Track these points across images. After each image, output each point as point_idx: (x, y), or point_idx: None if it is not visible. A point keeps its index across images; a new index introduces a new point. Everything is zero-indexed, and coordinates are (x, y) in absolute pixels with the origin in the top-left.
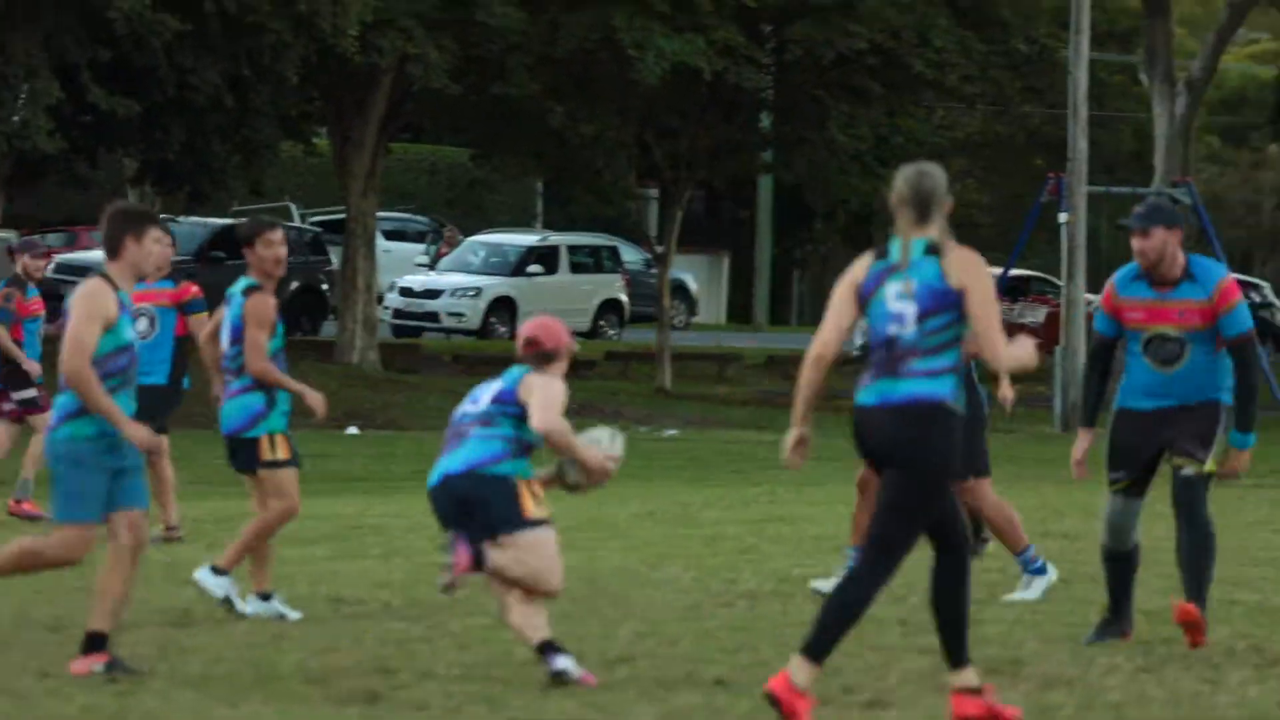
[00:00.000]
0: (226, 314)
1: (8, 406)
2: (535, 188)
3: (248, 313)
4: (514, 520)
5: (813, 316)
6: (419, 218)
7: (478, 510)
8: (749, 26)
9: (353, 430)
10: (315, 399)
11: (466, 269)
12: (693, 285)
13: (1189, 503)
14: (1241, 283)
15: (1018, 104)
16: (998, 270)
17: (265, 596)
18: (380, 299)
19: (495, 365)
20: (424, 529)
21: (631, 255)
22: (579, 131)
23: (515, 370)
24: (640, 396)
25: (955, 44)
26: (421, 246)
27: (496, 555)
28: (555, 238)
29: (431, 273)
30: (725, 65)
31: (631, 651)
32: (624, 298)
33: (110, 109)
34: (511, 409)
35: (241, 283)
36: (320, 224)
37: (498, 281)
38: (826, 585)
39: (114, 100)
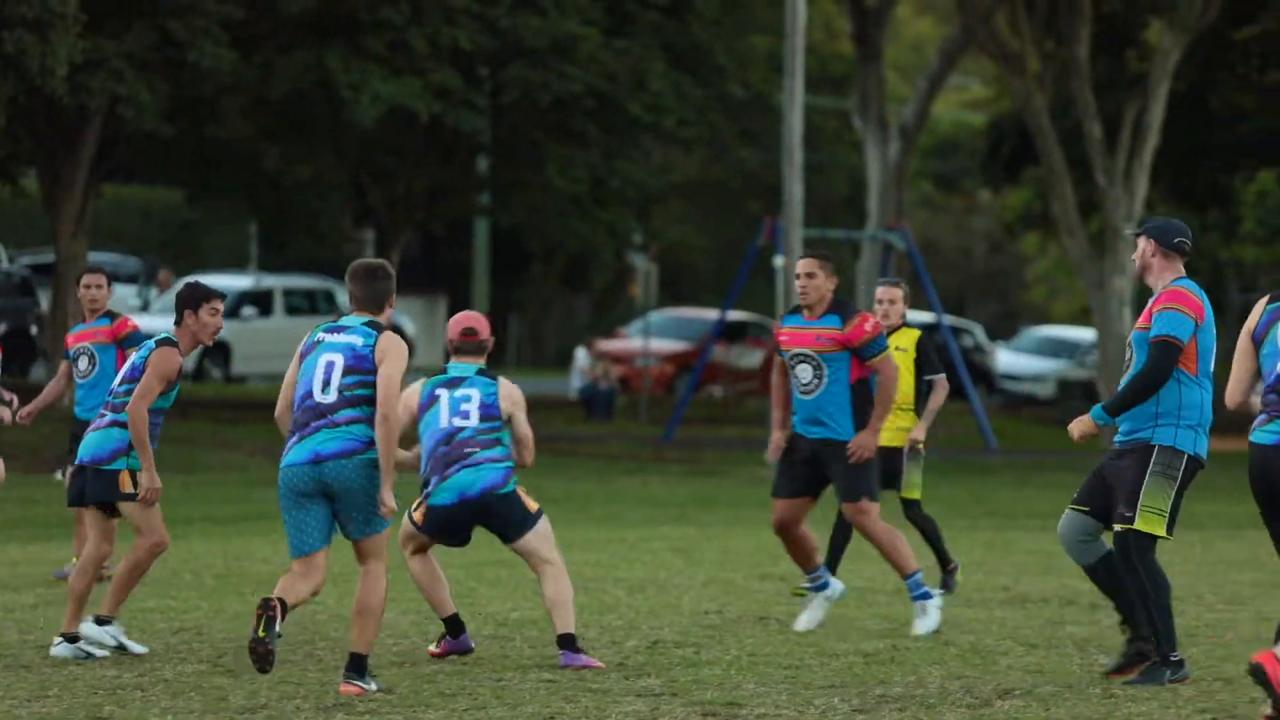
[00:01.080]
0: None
1: None
2: (250, 230)
3: (152, 362)
4: (526, 522)
5: (530, 359)
6: (130, 259)
7: (494, 521)
8: (466, 69)
9: (61, 476)
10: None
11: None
12: (410, 327)
13: (1122, 553)
14: (954, 327)
15: (734, 148)
16: (714, 313)
17: (73, 639)
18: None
19: (211, 408)
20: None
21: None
22: (294, 174)
23: (479, 378)
24: None
25: (671, 88)
26: (134, 289)
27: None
28: (270, 280)
29: (144, 315)
30: (442, 108)
31: (348, 698)
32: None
33: None
34: (499, 423)
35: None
36: (29, 266)
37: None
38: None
39: None
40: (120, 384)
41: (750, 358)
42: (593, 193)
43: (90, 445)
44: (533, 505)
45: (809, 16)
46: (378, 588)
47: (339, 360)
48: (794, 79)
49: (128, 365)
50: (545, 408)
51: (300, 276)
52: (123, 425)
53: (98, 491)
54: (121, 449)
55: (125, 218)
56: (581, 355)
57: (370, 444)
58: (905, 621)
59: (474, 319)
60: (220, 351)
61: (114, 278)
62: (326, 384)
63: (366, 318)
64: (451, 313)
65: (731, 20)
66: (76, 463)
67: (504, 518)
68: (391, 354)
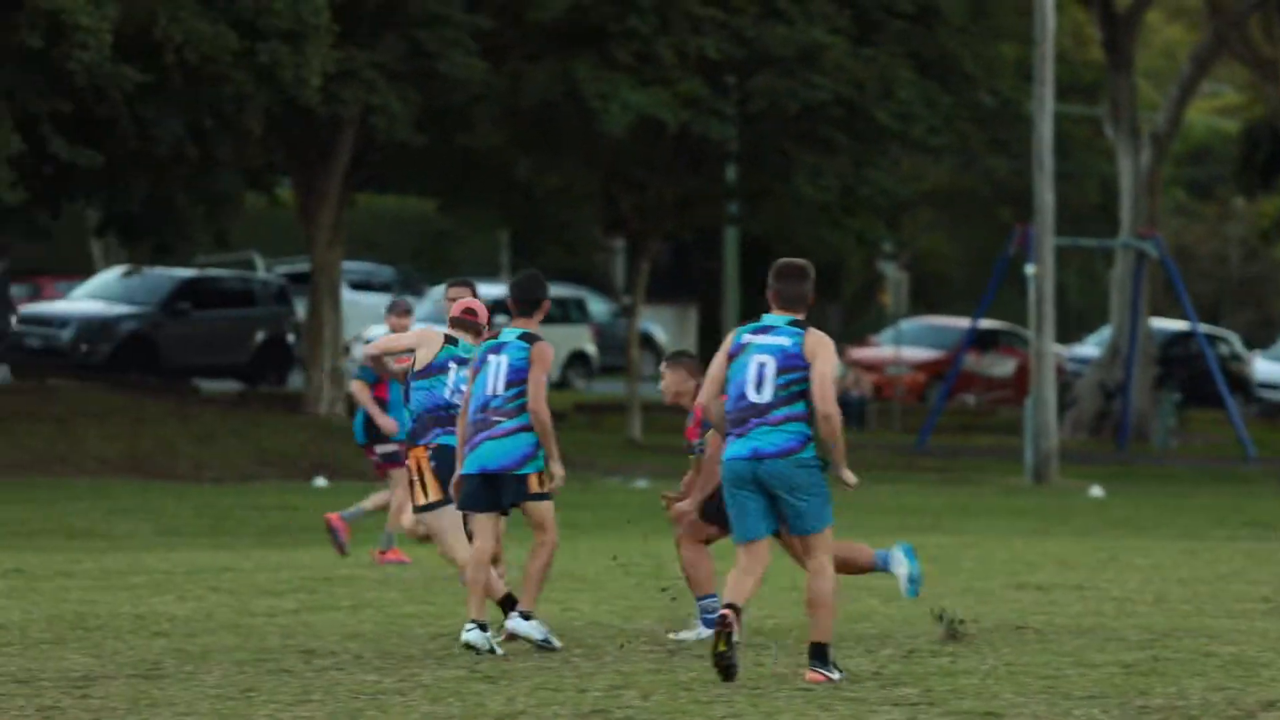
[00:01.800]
0: (505, 360)
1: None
2: (502, 239)
3: (534, 358)
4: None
5: None
6: (384, 268)
7: (506, 492)
8: (713, 78)
9: (320, 482)
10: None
11: (438, 320)
12: (661, 336)
13: None
14: (1210, 335)
15: (983, 156)
16: (965, 322)
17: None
18: (346, 350)
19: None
20: (395, 581)
21: (599, 307)
22: (544, 183)
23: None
24: (610, 448)
25: (919, 96)
26: (388, 298)
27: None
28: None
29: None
30: (690, 117)
31: (606, 704)
32: (592, 349)
33: (72, 160)
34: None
35: (516, 330)
36: (286, 275)
37: None
38: (687, 635)
39: (75, 152)
40: (505, 388)
41: (1003, 366)
42: (841, 201)
43: (496, 454)
44: None
45: (1058, 24)
46: (826, 579)
47: (770, 362)
48: (1044, 87)
49: (505, 369)
50: None
51: (552, 285)
52: (525, 429)
53: (511, 496)
54: (530, 453)
55: (378, 227)
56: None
57: (806, 441)
58: (1166, 632)
59: (474, 303)
60: None
61: (367, 286)
62: (760, 384)
63: (790, 316)
64: (702, 321)
65: (979, 28)
66: (477, 471)
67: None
68: (822, 352)
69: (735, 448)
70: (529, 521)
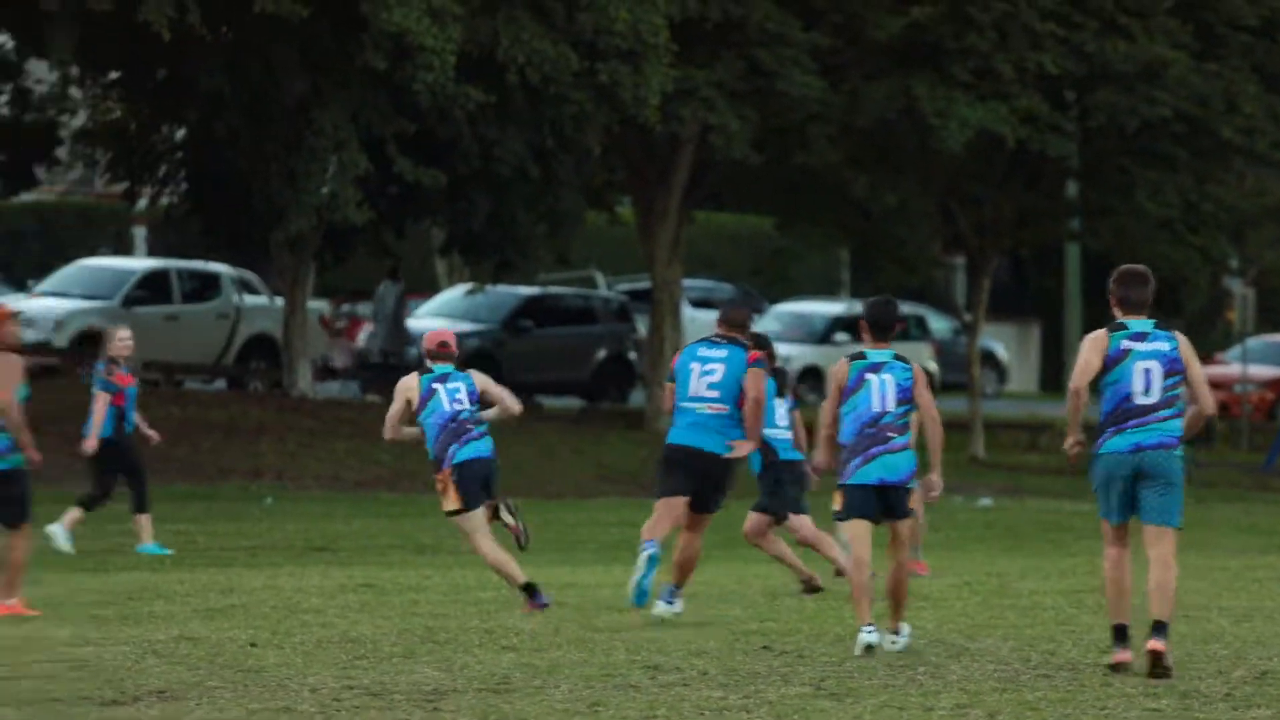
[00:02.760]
0: (891, 378)
1: None
2: (841, 257)
3: (917, 376)
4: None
5: None
6: (724, 286)
7: (492, 482)
8: (1052, 94)
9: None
10: None
11: (772, 338)
12: (1002, 353)
13: None
14: None
15: None
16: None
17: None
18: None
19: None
20: (738, 598)
21: (939, 324)
22: (882, 201)
23: (457, 373)
24: (952, 466)
25: (1264, 110)
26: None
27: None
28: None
29: None
30: (1029, 133)
31: None
32: (933, 367)
33: (416, 180)
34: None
35: (887, 352)
36: (626, 293)
37: (805, 350)
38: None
39: (420, 172)
40: (896, 405)
41: None
42: (1184, 217)
43: (893, 467)
44: None
45: None
46: (1170, 568)
47: (1156, 366)
48: None
49: (894, 388)
50: None
51: None
52: (910, 446)
53: (899, 509)
54: (915, 470)
55: (717, 244)
56: None
57: (1179, 439)
58: None
59: (447, 334)
60: (813, 374)
61: (707, 304)
62: (1147, 388)
63: (1153, 321)
64: (1045, 338)
65: None
66: (875, 482)
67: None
68: (1194, 355)
69: (1116, 442)
70: (893, 535)
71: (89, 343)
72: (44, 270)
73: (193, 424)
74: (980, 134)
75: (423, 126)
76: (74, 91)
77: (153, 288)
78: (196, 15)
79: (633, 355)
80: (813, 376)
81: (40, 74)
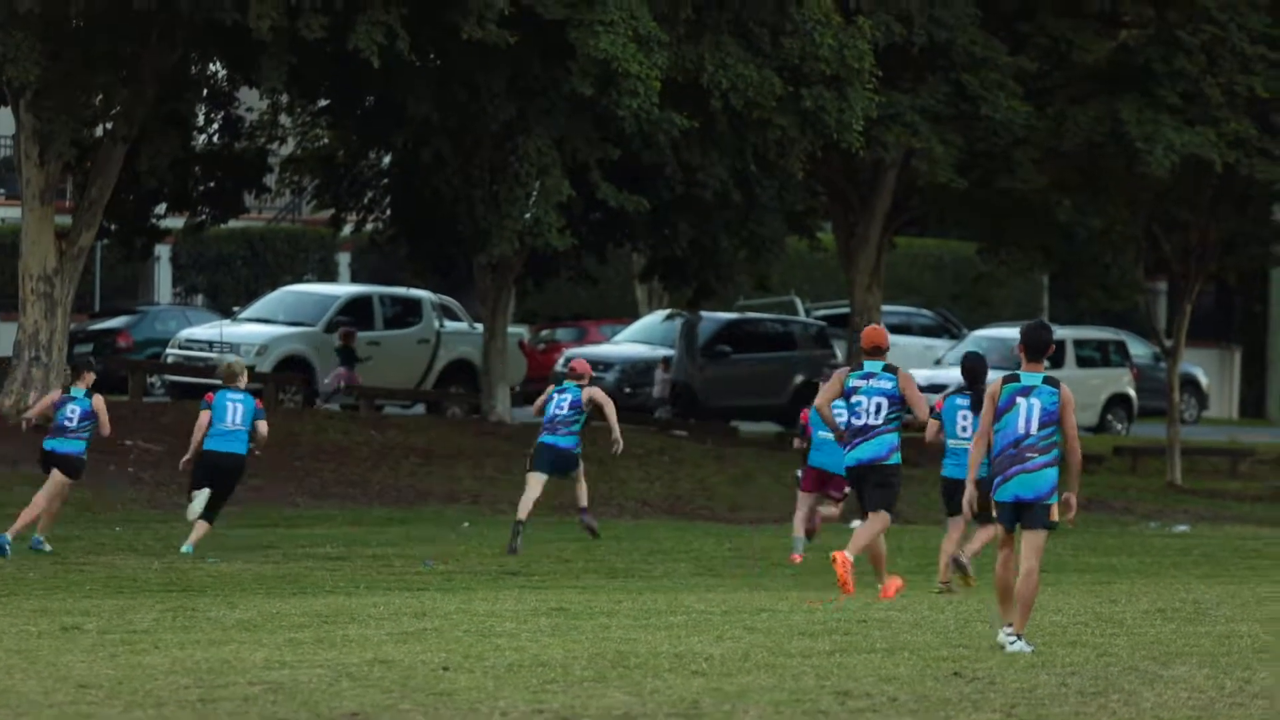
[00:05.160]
0: (1038, 403)
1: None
2: (1042, 282)
3: (1064, 401)
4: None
5: None
6: (924, 312)
7: (1032, 516)
8: (1262, 118)
9: (857, 524)
10: None
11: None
12: (1203, 379)
13: None
14: None
15: None
16: None
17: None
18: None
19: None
20: (929, 624)
21: (1139, 349)
22: (1086, 225)
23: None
24: (1150, 491)
25: None
26: (928, 341)
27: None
28: (1062, 332)
29: (936, 367)
30: (1236, 157)
31: None
32: (1132, 392)
33: (619, 206)
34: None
35: (1038, 375)
36: (825, 318)
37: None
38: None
39: (623, 197)
40: (1039, 429)
41: None
42: None
43: (1029, 485)
44: None
45: None
46: None
47: None
48: None
49: (1039, 411)
50: None
51: (1092, 328)
52: (1051, 465)
53: (1036, 520)
54: (1055, 486)
55: (917, 270)
56: None
57: None
58: None
59: (580, 362)
60: None
61: (906, 329)
62: None
63: None
64: (1246, 364)
65: None
66: (1011, 500)
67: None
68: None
69: None
70: (1029, 546)
71: (291, 367)
72: (250, 296)
73: (392, 448)
74: (1187, 158)
75: (626, 152)
76: (283, 119)
77: (355, 313)
78: (405, 42)
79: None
80: None
81: (250, 102)
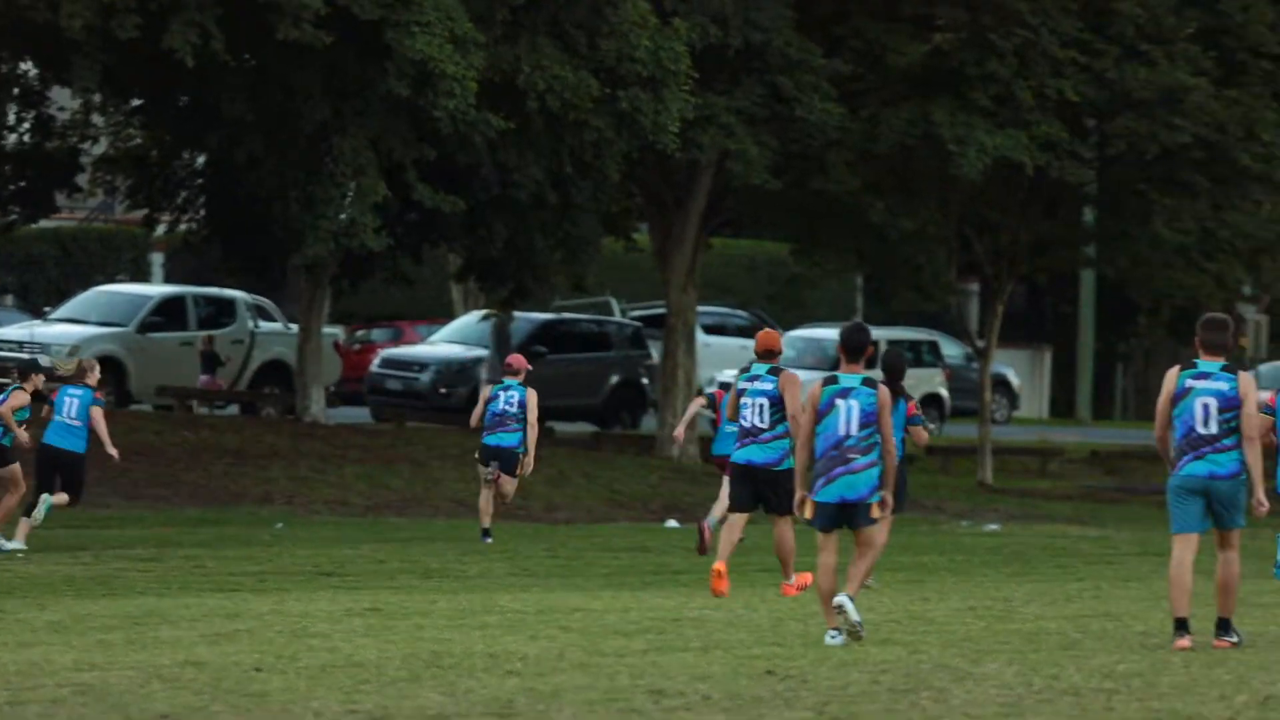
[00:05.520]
0: (857, 404)
1: None
2: (855, 283)
3: (882, 402)
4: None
5: (1137, 411)
6: (739, 312)
7: (857, 517)
8: (1072, 121)
9: (672, 524)
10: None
11: (786, 364)
12: (1014, 379)
13: None
14: None
15: None
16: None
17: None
18: (700, 393)
19: None
20: (743, 623)
21: (952, 349)
22: (899, 227)
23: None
24: (961, 491)
25: None
26: (741, 342)
27: None
28: (875, 332)
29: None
30: (1048, 160)
31: None
32: (945, 392)
33: (435, 206)
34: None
35: (858, 376)
36: (641, 319)
37: (819, 375)
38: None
39: (439, 198)
40: (859, 429)
41: None
42: (1200, 244)
43: (854, 486)
44: None
45: None
46: (1233, 568)
47: (1213, 403)
48: None
49: (858, 412)
50: (1151, 459)
51: (905, 329)
52: (874, 465)
53: (860, 520)
54: (877, 485)
55: (732, 271)
56: None
57: (1243, 467)
58: None
59: (517, 359)
60: None
61: (721, 330)
62: (1206, 420)
63: (1221, 363)
64: (1056, 364)
65: None
66: (836, 500)
67: None
68: (1250, 394)
69: (1193, 467)
70: (860, 539)
71: (102, 368)
72: (62, 296)
73: (205, 449)
74: (999, 161)
75: (442, 153)
76: (96, 118)
77: (169, 314)
78: (220, 42)
79: (646, 381)
80: None
81: (63, 101)
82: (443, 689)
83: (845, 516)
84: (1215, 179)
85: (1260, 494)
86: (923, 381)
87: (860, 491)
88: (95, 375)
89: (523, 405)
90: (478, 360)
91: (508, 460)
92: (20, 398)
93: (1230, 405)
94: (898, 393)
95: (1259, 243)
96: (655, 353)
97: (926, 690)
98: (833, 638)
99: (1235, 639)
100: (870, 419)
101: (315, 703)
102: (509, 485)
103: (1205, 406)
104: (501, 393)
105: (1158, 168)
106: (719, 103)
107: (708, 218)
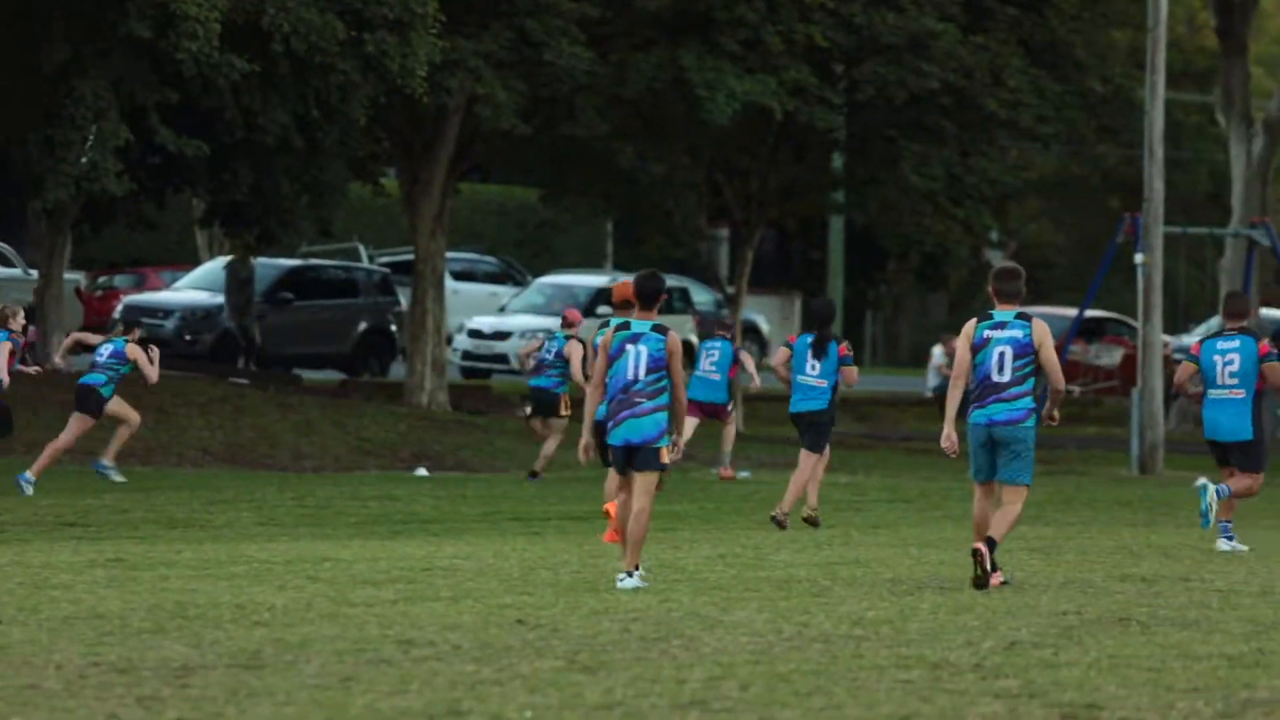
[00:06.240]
0: (645, 349)
1: None
2: (605, 229)
3: (671, 349)
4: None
5: (886, 358)
6: (488, 258)
7: (641, 459)
8: (821, 66)
9: (421, 472)
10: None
11: (535, 310)
12: (764, 326)
13: None
14: None
15: (1093, 144)
16: (1072, 311)
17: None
18: (449, 340)
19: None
20: (493, 572)
21: (702, 296)
22: (648, 172)
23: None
24: (711, 438)
25: (1029, 84)
26: (491, 288)
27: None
28: (625, 279)
29: (501, 314)
30: (797, 105)
31: (704, 695)
32: (695, 339)
33: (178, 150)
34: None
35: (648, 323)
36: (389, 265)
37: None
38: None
39: (182, 142)
40: (646, 374)
41: (1110, 356)
42: (948, 190)
43: (638, 429)
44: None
45: (1171, 10)
46: (1012, 509)
47: (1009, 351)
48: (1156, 74)
49: (646, 358)
50: (900, 406)
51: None
52: (661, 410)
53: (644, 463)
54: (664, 430)
55: (482, 217)
56: (938, 353)
57: (1030, 413)
58: (1272, 625)
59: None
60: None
61: (470, 276)
62: (1001, 368)
63: (1016, 310)
64: (806, 312)
65: (1091, 15)
66: (621, 443)
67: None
68: (1046, 340)
69: (975, 415)
70: (639, 486)
71: None
72: None
73: None
74: (748, 106)
75: (185, 96)
76: None
77: None
78: None
79: (394, 328)
80: None
81: None
82: (188, 640)
83: (631, 458)
84: (963, 125)
85: (1056, 411)
86: (673, 327)
87: (645, 435)
88: (16, 321)
89: (559, 355)
90: (223, 307)
91: (546, 402)
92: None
93: (1025, 352)
94: (826, 337)
95: (1006, 189)
96: (403, 299)
97: (677, 638)
98: (622, 581)
99: (1004, 578)
100: (659, 364)
101: (57, 655)
102: (553, 427)
103: (1001, 355)
104: (549, 343)
105: (906, 114)
106: (467, 46)
107: (456, 163)
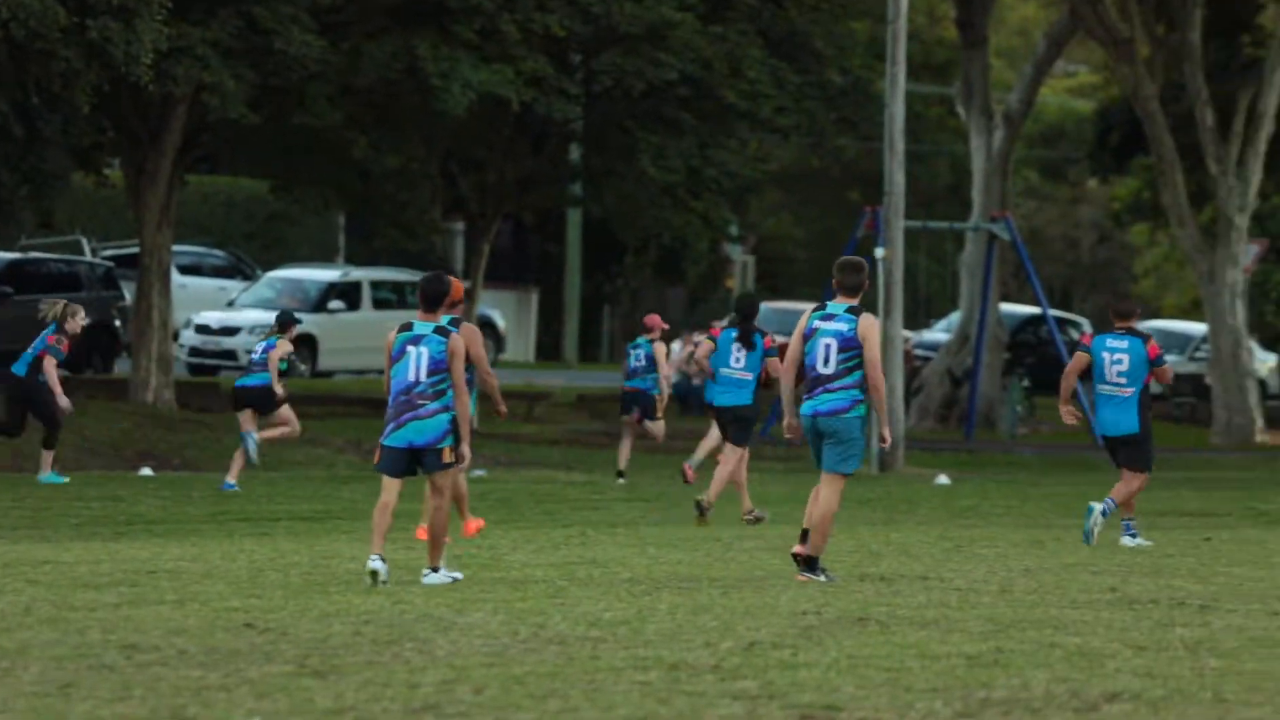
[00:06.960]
0: (426, 351)
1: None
2: (338, 222)
3: (452, 350)
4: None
5: (624, 352)
6: (216, 252)
7: (426, 462)
8: (558, 57)
9: (146, 472)
10: None
11: (265, 305)
12: (500, 321)
13: None
14: (1060, 319)
15: (833, 136)
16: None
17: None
18: (175, 336)
19: (296, 404)
20: (220, 574)
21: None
22: (382, 163)
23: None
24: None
25: (768, 75)
26: (220, 282)
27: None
28: (357, 273)
29: (229, 309)
30: (533, 96)
31: (437, 699)
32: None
33: None
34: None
35: (430, 325)
36: (113, 258)
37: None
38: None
39: None
40: (428, 375)
41: None
42: (687, 182)
43: (422, 431)
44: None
45: (911, 2)
46: (827, 506)
47: (833, 343)
48: (896, 65)
49: (427, 360)
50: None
51: (388, 269)
52: (444, 411)
53: (429, 465)
54: (448, 431)
55: (210, 209)
56: (676, 348)
57: (855, 404)
58: (1010, 623)
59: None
60: (306, 345)
61: (198, 270)
62: (826, 360)
63: (848, 304)
64: (544, 306)
65: (830, 6)
66: (405, 446)
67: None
68: (870, 335)
69: (804, 406)
70: (432, 486)
71: None
72: None
73: None
74: (484, 96)
75: None
76: None
77: None
78: None
79: (118, 323)
80: (306, 345)
81: None
82: None
83: (415, 461)
84: (701, 117)
85: (885, 430)
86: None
87: (429, 436)
88: None
89: (648, 358)
90: None
91: (644, 404)
92: (285, 347)
93: (849, 345)
94: (751, 331)
95: (745, 181)
96: (128, 294)
97: (410, 641)
98: (374, 561)
99: (823, 577)
100: (440, 366)
101: None
102: (657, 429)
103: (826, 347)
104: (632, 350)
105: (644, 105)
106: (194, 33)
107: (183, 153)
